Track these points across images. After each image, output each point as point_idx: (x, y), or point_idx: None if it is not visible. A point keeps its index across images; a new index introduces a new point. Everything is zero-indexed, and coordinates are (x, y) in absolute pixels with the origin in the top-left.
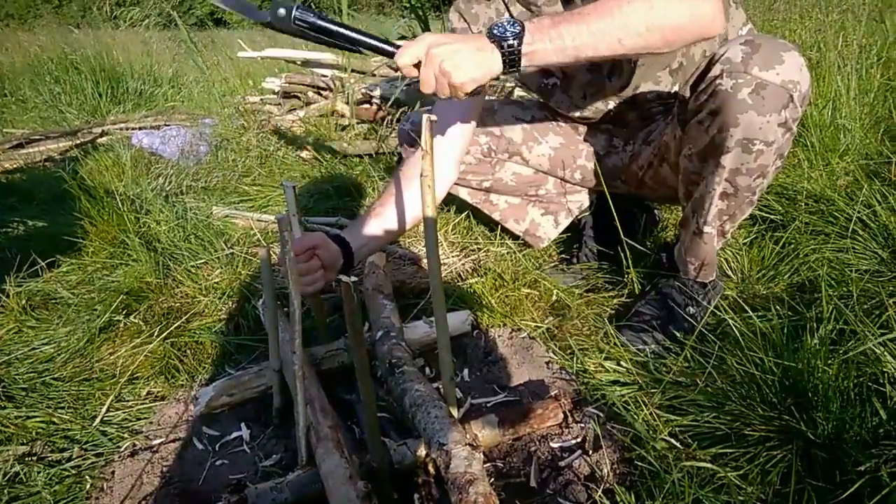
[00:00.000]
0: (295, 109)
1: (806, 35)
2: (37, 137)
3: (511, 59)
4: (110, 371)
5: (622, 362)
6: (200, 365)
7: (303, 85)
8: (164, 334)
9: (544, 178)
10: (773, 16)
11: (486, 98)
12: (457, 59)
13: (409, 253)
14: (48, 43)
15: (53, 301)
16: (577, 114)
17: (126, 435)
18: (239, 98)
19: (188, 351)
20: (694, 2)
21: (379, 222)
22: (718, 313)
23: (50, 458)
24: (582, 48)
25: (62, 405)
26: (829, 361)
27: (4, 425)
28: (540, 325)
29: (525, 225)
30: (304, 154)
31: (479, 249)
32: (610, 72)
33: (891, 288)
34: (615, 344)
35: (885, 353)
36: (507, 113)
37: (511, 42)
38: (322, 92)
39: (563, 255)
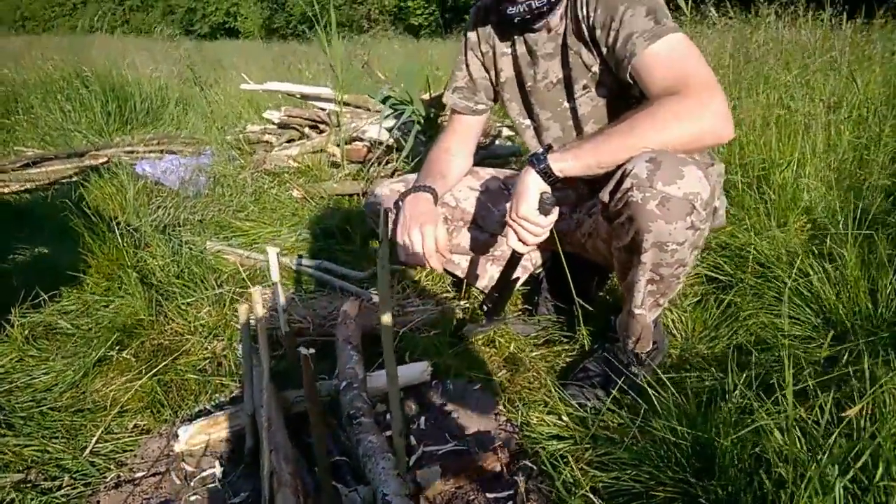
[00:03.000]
0: (293, 140)
1: (774, 95)
2: (48, 157)
3: (546, 174)
4: (102, 403)
5: (563, 416)
6: (184, 401)
7: (301, 118)
8: (153, 372)
9: (500, 240)
10: (745, 74)
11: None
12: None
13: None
14: (60, 62)
15: (54, 332)
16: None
17: (112, 466)
18: (241, 127)
19: (173, 387)
20: (701, 121)
21: (435, 177)
22: (659, 373)
23: (42, 486)
24: (604, 164)
25: (56, 435)
26: (731, 432)
27: (3, 452)
28: (493, 377)
29: (485, 281)
30: (296, 193)
31: (448, 299)
32: (580, 132)
33: (817, 355)
34: (560, 398)
35: (775, 429)
36: (462, 185)
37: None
38: (319, 125)
39: (526, 306)
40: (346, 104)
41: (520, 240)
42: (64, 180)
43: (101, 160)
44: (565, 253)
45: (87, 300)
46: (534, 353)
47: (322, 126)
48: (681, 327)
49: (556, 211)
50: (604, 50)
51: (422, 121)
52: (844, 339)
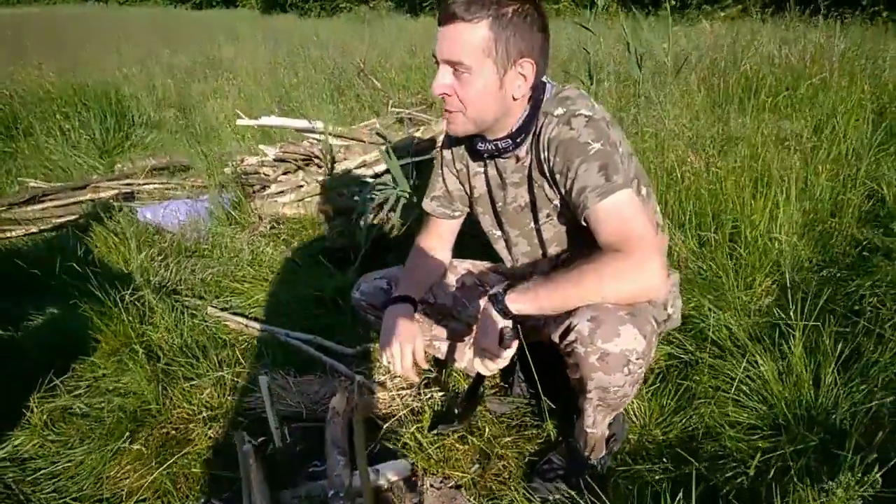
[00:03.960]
0: (288, 172)
1: (748, 151)
2: (50, 192)
3: (503, 313)
4: (119, 493)
5: None
6: (192, 491)
7: (295, 154)
8: (163, 466)
9: (475, 328)
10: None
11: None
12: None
13: (367, 382)
14: (57, 79)
15: (70, 414)
16: (509, 266)
17: None
18: (237, 161)
19: (181, 477)
20: (637, 282)
21: (415, 284)
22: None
23: None
24: (555, 309)
25: None
26: None
27: None
28: (465, 473)
29: (464, 363)
30: (289, 254)
31: (429, 380)
32: (544, 251)
33: (758, 445)
34: (525, 496)
35: None
36: (441, 281)
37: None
38: (313, 159)
39: (502, 383)
40: (339, 136)
41: (484, 366)
42: (68, 222)
43: (102, 194)
44: (537, 342)
45: (97, 375)
46: (506, 439)
47: (317, 160)
48: (639, 413)
49: (515, 343)
50: (562, 191)
51: (407, 197)
52: (787, 429)
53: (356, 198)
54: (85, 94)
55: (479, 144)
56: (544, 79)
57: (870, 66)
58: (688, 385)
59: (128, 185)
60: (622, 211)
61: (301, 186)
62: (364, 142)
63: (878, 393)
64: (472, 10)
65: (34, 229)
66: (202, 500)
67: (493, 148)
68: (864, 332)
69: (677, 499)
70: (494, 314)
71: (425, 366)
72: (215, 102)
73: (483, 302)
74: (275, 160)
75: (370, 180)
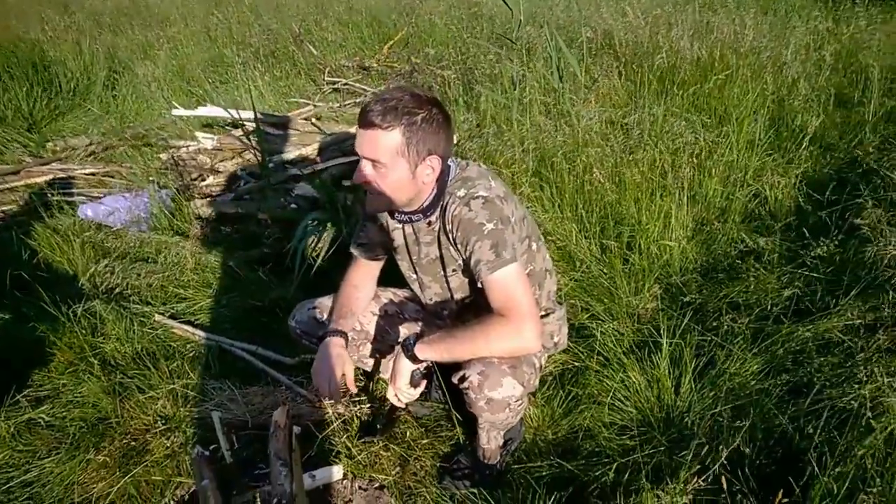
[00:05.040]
0: (224, 161)
1: (647, 162)
2: None
3: (412, 357)
4: (88, 498)
5: None
6: (153, 496)
7: (232, 146)
8: (127, 476)
9: (396, 348)
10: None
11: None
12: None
13: (307, 394)
14: None
15: (35, 425)
16: (424, 300)
17: None
18: (174, 149)
19: (143, 483)
20: (515, 342)
21: (345, 315)
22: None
23: None
24: (454, 359)
25: None
26: None
27: None
28: (388, 476)
29: (387, 374)
30: (231, 261)
31: (359, 391)
32: (452, 295)
33: (626, 444)
34: (436, 490)
35: None
36: (366, 310)
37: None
38: (251, 150)
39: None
40: (273, 126)
41: (398, 399)
42: (6, 214)
43: (36, 179)
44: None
45: (56, 386)
46: (424, 441)
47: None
48: (534, 417)
49: (423, 382)
50: (463, 258)
51: (341, 224)
52: (650, 430)
53: (293, 205)
54: (8, 60)
55: (396, 214)
56: (449, 161)
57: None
58: (576, 391)
59: (63, 169)
60: (507, 284)
61: (238, 184)
62: (299, 131)
63: (722, 398)
64: (388, 119)
65: None
66: (163, 502)
67: (407, 218)
68: (719, 346)
69: (553, 495)
70: (405, 360)
71: (354, 390)
72: (145, 65)
73: (402, 332)
74: (212, 149)
75: (305, 187)
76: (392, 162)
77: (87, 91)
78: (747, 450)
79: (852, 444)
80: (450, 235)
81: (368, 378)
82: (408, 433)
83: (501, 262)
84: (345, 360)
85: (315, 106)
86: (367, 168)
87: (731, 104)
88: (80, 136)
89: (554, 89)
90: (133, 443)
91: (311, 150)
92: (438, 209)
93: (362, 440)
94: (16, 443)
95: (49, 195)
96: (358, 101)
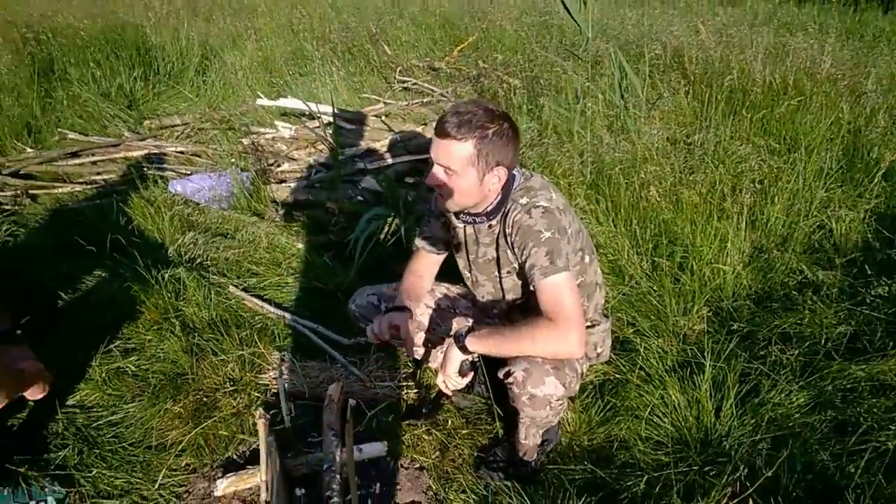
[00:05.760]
0: (299, 149)
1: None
2: (89, 148)
3: (462, 348)
4: (162, 443)
5: (472, 495)
6: (217, 448)
7: (307, 137)
8: (198, 427)
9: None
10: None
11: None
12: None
13: (359, 374)
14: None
15: (122, 373)
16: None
17: (173, 499)
18: (255, 135)
19: (211, 436)
20: (559, 348)
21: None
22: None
23: None
24: (500, 354)
25: (135, 469)
26: None
27: (103, 483)
28: (429, 458)
29: (435, 364)
30: (299, 244)
31: (408, 375)
32: (504, 295)
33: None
34: (472, 476)
35: None
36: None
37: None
38: (324, 142)
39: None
40: (346, 121)
41: (446, 386)
42: (104, 180)
43: (133, 153)
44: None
45: (142, 341)
46: (464, 431)
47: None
48: (572, 423)
49: (471, 374)
50: (519, 261)
51: (402, 218)
52: (686, 449)
53: (359, 197)
54: (115, 43)
55: (460, 215)
56: (514, 171)
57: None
58: (615, 403)
59: (157, 146)
60: (557, 290)
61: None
62: (370, 127)
63: (762, 427)
64: (462, 131)
65: (78, 187)
66: (226, 455)
67: (471, 220)
68: (765, 375)
69: (584, 498)
70: (456, 350)
71: (387, 337)
72: (233, 54)
73: (454, 326)
74: (289, 138)
75: (371, 181)
76: (463, 170)
77: (181, 75)
78: (784, 479)
79: None
80: (508, 239)
81: (417, 366)
82: (449, 421)
83: (554, 269)
84: (403, 318)
85: (385, 104)
86: (439, 173)
87: (801, 131)
88: (173, 116)
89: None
90: (205, 399)
91: (379, 146)
92: (500, 214)
93: (407, 422)
94: (106, 387)
95: (145, 168)
96: (425, 100)
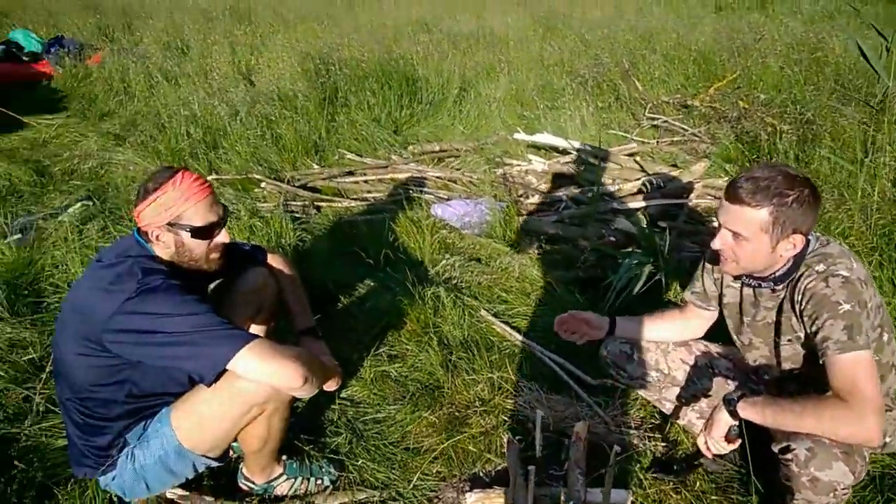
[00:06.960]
0: (548, 183)
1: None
2: (362, 168)
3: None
4: (416, 448)
5: None
6: (466, 462)
7: (557, 172)
8: (451, 440)
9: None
10: None
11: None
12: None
13: (604, 415)
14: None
15: (386, 376)
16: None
17: (425, 502)
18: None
19: (460, 450)
20: (852, 429)
21: (642, 329)
22: None
23: None
24: (776, 426)
25: (394, 466)
26: None
27: (368, 473)
28: None
29: (684, 421)
30: (549, 277)
31: (654, 427)
32: (779, 363)
33: None
34: None
35: None
36: (676, 356)
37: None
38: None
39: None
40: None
41: (708, 448)
42: (374, 198)
43: (399, 175)
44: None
45: (404, 348)
46: (713, 497)
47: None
48: None
49: (738, 441)
50: (807, 331)
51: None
52: None
53: (612, 237)
54: (389, 74)
55: (743, 277)
56: (809, 235)
57: None
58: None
59: (419, 170)
60: (856, 369)
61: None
62: (621, 166)
63: None
64: (757, 199)
65: (353, 203)
66: (474, 471)
67: (756, 283)
68: None
69: None
70: (725, 414)
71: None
72: (487, 86)
73: (712, 386)
74: (540, 171)
75: (624, 222)
76: (754, 237)
77: (441, 104)
78: None
79: None
80: (797, 307)
81: (665, 420)
82: (698, 483)
83: (853, 345)
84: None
85: (634, 140)
86: (727, 237)
87: None
88: (433, 143)
89: None
90: (457, 413)
91: (631, 187)
92: (789, 280)
93: (654, 475)
94: (373, 386)
95: (411, 190)
96: (675, 139)
